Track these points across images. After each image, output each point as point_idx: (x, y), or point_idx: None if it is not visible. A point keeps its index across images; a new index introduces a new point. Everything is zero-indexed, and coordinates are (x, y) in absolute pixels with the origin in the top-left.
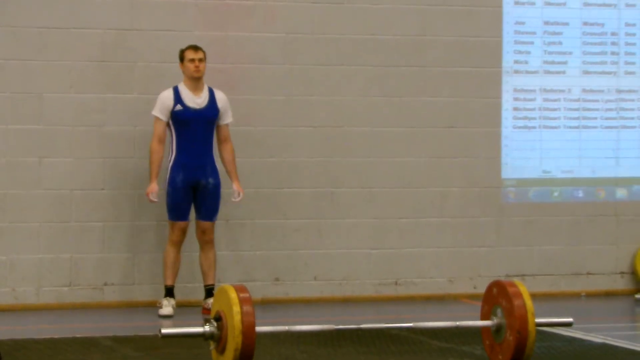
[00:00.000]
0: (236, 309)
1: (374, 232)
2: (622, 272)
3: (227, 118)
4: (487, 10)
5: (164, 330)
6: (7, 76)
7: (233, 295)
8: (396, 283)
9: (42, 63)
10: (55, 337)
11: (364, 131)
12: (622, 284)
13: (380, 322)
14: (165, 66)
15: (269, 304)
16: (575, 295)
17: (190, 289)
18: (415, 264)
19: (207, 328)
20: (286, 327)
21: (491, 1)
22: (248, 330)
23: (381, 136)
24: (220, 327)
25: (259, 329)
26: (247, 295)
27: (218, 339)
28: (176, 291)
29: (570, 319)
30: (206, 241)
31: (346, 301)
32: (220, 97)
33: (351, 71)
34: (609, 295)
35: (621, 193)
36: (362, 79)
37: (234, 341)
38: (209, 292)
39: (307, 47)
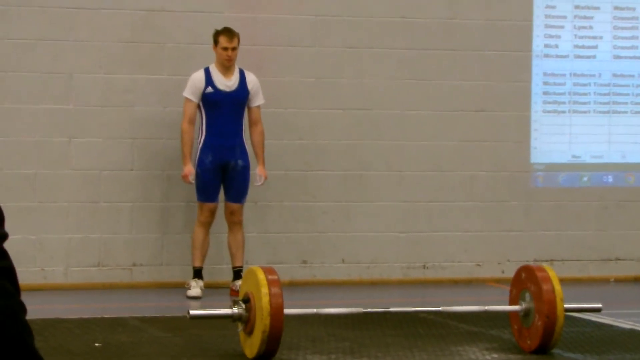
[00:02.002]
0: (264, 290)
1: (402, 215)
2: None
3: (257, 100)
4: None
5: (192, 312)
6: (37, 56)
7: (261, 277)
8: (424, 267)
9: (72, 43)
10: (84, 316)
11: (393, 114)
12: None
13: (408, 305)
14: (194, 47)
15: (296, 286)
16: (604, 281)
17: (218, 270)
18: (444, 248)
19: (235, 310)
20: (314, 310)
21: None
22: (276, 312)
23: (410, 119)
24: (248, 309)
25: (287, 311)
26: (275, 277)
27: (246, 320)
28: (204, 272)
29: (599, 305)
30: (234, 222)
31: (374, 284)
32: (251, 79)
33: (380, 54)
34: (637, 280)
35: None
36: (391, 61)
37: (262, 323)
38: (237, 273)
39: (336, 29)
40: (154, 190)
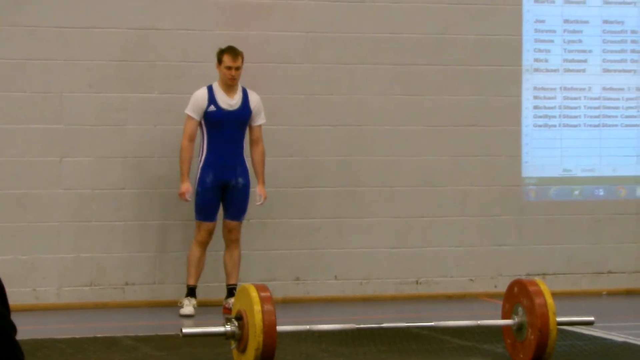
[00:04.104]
0: (257, 308)
1: (395, 231)
2: None
3: (259, 119)
4: (508, 9)
5: (185, 330)
6: (27, 76)
7: (254, 294)
8: (417, 282)
9: (62, 62)
10: (77, 336)
11: (385, 130)
12: None
13: (401, 321)
14: (185, 65)
15: (289, 303)
16: (597, 294)
17: (211, 288)
18: (436, 263)
19: (228, 327)
20: (307, 326)
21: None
22: (269, 329)
23: (402, 135)
24: (241, 326)
25: (280, 328)
26: (268, 294)
27: (239, 338)
28: (197, 290)
29: (591, 318)
30: (232, 240)
31: (367, 300)
32: (254, 99)
33: (372, 70)
34: (630, 293)
35: None
36: (382, 77)
37: (255, 340)
38: (231, 291)
39: (327, 46)
40: (146, 209)
